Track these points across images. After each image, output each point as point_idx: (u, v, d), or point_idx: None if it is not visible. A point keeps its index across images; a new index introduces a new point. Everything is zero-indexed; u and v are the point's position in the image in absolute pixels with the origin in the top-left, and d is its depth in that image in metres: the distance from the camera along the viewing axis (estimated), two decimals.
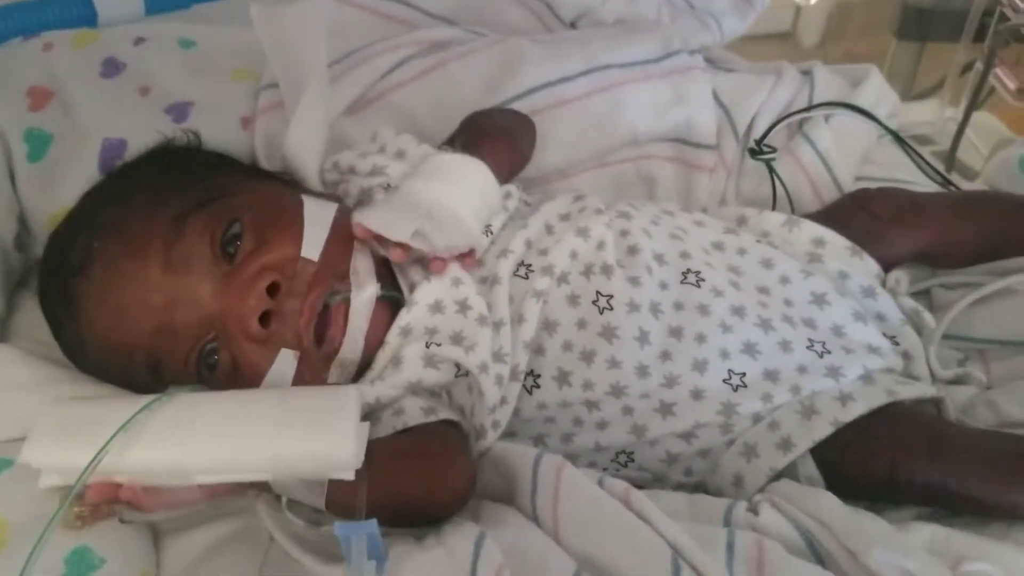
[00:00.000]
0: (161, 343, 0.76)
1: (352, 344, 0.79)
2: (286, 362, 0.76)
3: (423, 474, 0.74)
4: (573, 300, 0.84)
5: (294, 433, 0.66)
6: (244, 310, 0.74)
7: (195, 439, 0.67)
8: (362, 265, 0.81)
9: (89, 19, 1.12)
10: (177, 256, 0.75)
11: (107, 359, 0.78)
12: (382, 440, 0.75)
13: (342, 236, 0.81)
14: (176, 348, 0.76)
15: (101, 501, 0.67)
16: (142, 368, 0.77)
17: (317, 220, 0.81)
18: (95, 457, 0.64)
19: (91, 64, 1.01)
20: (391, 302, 0.82)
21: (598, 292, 0.84)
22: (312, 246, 0.79)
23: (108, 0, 1.13)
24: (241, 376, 0.77)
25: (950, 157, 1.38)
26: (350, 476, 0.66)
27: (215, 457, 0.66)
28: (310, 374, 0.78)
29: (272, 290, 0.75)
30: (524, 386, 0.83)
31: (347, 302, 0.79)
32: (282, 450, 0.66)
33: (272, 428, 0.67)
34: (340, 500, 0.68)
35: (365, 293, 0.79)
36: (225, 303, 0.75)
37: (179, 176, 0.82)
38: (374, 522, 0.63)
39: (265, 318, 0.75)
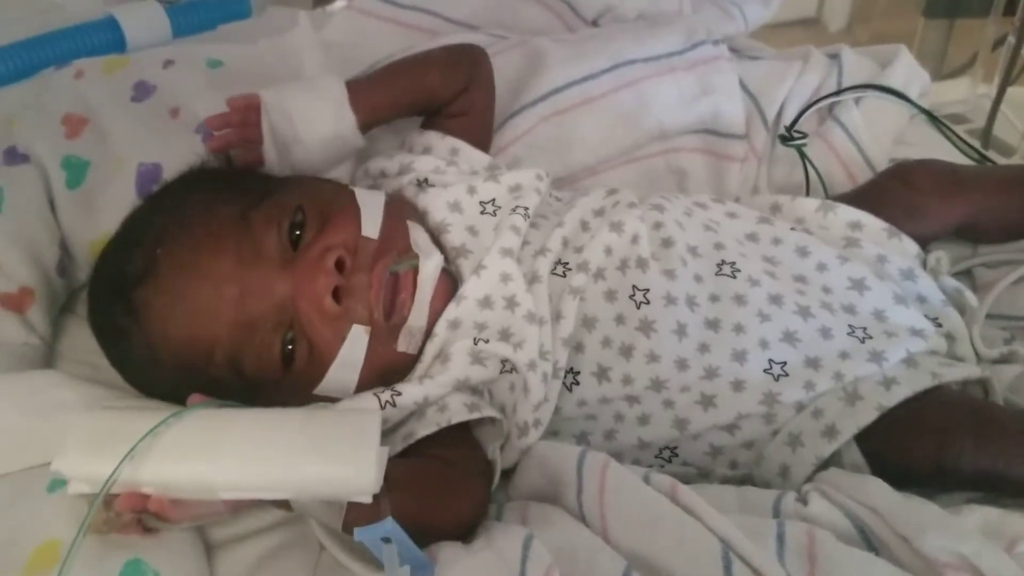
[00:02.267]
0: (240, 336, 0.77)
1: (420, 312, 0.80)
2: (358, 338, 0.78)
3: (436, 500, 0.75)
4: (610, 296, 0.84)
5: (317, 457, 0.68)
6: (317, 289, 0.76)
7: (222, 457, 0.68)
8: (422, 239, 0.83)
9: (118, 45, 1.14)
10: (247, 248, 0.77)
11: (183, 364, 0.78)
12: (401, 463, 0.75)
13: (397, 216, 0.83)
14: (254, 339, 0.77)
15: (129, 510, 0.68)
16: (222, 366, 0.77)
17: (371, 203, 0.83)
18: (115, 470, 0.66)
19: (122, 89, 1.03)
20: (451, 279, 0.84)
21: (634, 286, 0.84)
22: (371, 225, 0.80)
23: (136, 25, 1.15)
24: (316, 359, 0.78)
25: (986, 134, 1.37)
26: (367, 500, 0.67)
27: (240, 475, 0.68)
28: (382, 346, 0.79)
29: (339, 268, 0.77)
30: (564, 383, 0.83)
31: (414, 269, 0.80)
32: (305, 472, 0.68)
33: (296, 450, 0.68)
34: (357, 522, 0.68)
35: (433, 260, 0.81)
36: (297, 285, 0.77)
37: (224, 184, 0.85)
38: (389, 520, 0.64)
39: (336, 295, 0.76)
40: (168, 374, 0.79)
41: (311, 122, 0.90)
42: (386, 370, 0.80)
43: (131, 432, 0.68)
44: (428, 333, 0.82)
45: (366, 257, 0.79)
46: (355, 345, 0.78)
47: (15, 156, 0.97)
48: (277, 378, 0.78)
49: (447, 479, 0.77)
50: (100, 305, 0.83)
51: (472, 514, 0.77)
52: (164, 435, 0.68)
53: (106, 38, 1.13)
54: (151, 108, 1.01)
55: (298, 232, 0.79)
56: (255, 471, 0.68)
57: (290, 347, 0.77)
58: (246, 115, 0.89)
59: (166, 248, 0.78)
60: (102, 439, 0.69)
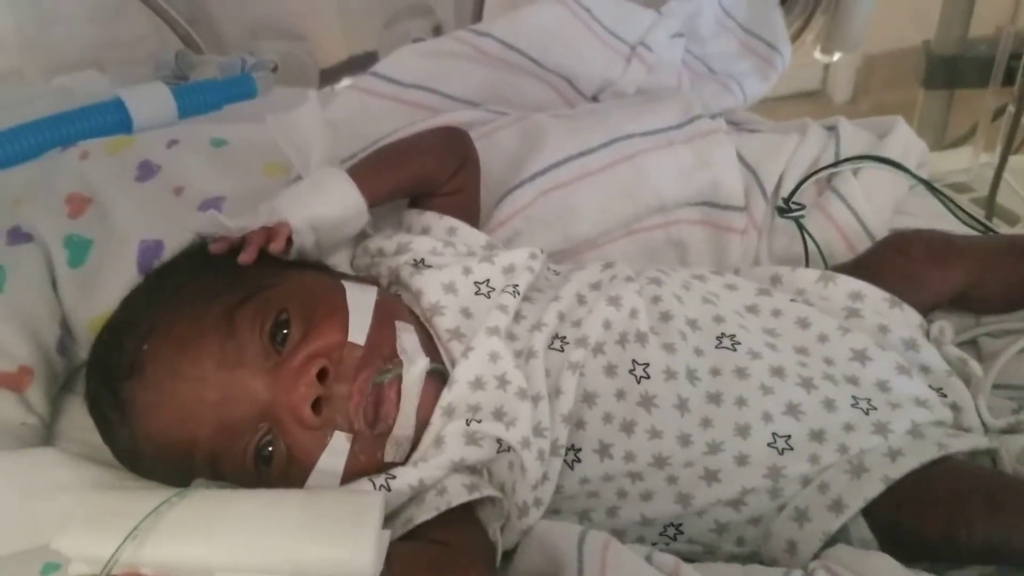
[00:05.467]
0: (220, 440, 0.76)
1: (406, 420, 0.79)
2: (339, 444, 0.76)
3: None
4: (610, 370, 0.84)
5: (315, 538, 0.67)
6: (295, 399, 0.75)
7: (219, 537, 0.67)
8: (408, 343, 0.81)
9: (125, 126, 1.15)
10: (230, 352, 0.76)
11: (165, 459, 0.78)
12: (403, 546, 0.74)
13: (385, 318, 0.82)
14: (234, 443, 0.76)
15: None
16: (203, 466, 0.77)
17: (360, 305, 0.82)
18: (116, 549, 0.66)
19: (126, 169, 1.04)
20: (438, 377, 0.82)
21: (634, 361, 0.83)
22: (358, 331, 0.79)
23: (142, 107, 1.17)
24: (296, 465, 0.77)
25: (989, 203, 1.37)
26: None
27: (237, 556, 0.67)
28: (365, 455, 0.78)
29: (321, 376, 0.76)
30: (565, 461, 0.82)
31: (398, 379, 0.79)
32: (302, 554, 0.67)
33: (294, 532, 0.67)
34: None
35: (416, 368, 0.79)
36: (277, 393, 0.76)
37: (220, 272, 0.84)
38: None
39: (316, 405, 0.75)
40: (151, 466, 0.79)
41: (333, 233, 0.91)
42: (372, 473, 0.79)
43: (132, 512, 0.68)
44: (425, 424, 0.81)
45: (350, 366, 0.77)
46: (336, 453, 0.76)
47: (19, 236, 0.97)
48: (255, 481, 0.77)
49: (450, 565, 0.75)
50: (92, 391, 0.83)
51: None
52: (164, 515, 0.68)
53: (113, 119, 1.15)
54: (155, 187, 1.02)
55: (285, 332, 0.78)
56: (252, 551, 0.67)
57: (269, 449, 0.77)
58: (271, 232, 0.88)
59: (151, 345, 0.77)
60: (103, 518, 0.69)
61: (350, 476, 0.77)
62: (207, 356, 0.76)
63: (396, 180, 0.97)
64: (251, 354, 0.77)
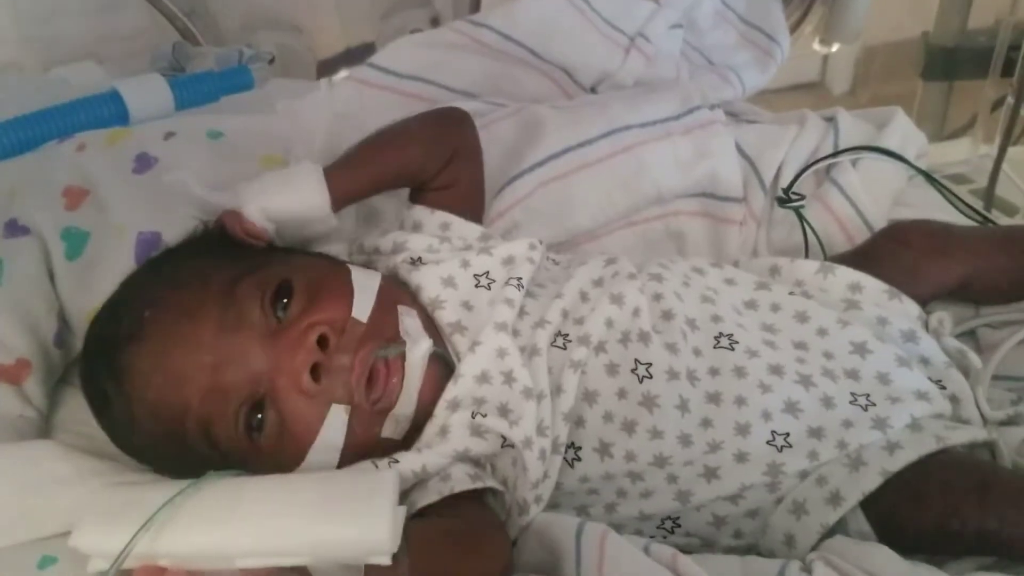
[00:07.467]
0: (212, 405, 0.75)
1: (407, 399, 0.79)
2: (337, 418, 0.76)
3: (458, 558, 0.73)
4: (612, 369, 0.83)
5: (331, 518, 0.67)
6: (295, 363, 0.75)
7: (236, 523, 0.67)
8: (411, 326, 0.81)
9: (122, 118, 1.15)
10: (230, 317, 0.76)
11: (158, 430, 0.77)
12: (419, 522, 0.74)
13: (388, 302, 0.82)
14: (226, 409, 0.76)
15: None
16: (195, 434, 0.76)
17: (365, 286, 0.82)
18: (129, 542, 0.66)
19: (123, 161, 1.03)
20: (441, 364, 0.82)
21: (636, 360, 0.83)
22: (362, 309, 0.79)
23: (139, 98, 1.17)
24: (289, 436, 0.76)
25: (988, 194, 1.36)
26: (386, 561, 0.66)
27: (255, 541, 0.67)
28: (362, 429, 0.77)
29: (322, 345, 0.76)
30: (565, 459, 0.81)
31: (402, 356, 0.79)
32: (319, 535, 0.67)
33: (310, 513, 0.67)
34: None
35: (420, 347, 0.79)
36: (275, 357, 0.75)
37: (226, 251, 0.84)
38: None
39: (315, 373, 0.75)
40: (148, 440, 0.79)
41: (295, 229, 0.90)
42: (368, 454, 0.79)
43: (146, 504, 0.68)
44: (429, 415, 0.81)
45: (352, 339, 0.77)
46: (333, 426, 0.76)
47: (16, 228, 0.97)
48: (248, 451, 0.76)
49: (467, 536, 0.75)
50: (88, 369, 0.83)
51: (498, 568, 0.75)
52: (179, 505, 0.68)
53: (109, 111, 1.14)
54: (152, 179, 1.02)
55: (286, 301, 0.78)
56: (269, 536, 0.67)
57: (259, 416, 0.76)
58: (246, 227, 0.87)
59: (154, 311, 0.77)
60: (117, 512, 0.69)
61: (347, 451, 0.77)
62: (207, 321, 0.76)
63: (375, 177, 0.94)
64: (251, 320, 0.77)
